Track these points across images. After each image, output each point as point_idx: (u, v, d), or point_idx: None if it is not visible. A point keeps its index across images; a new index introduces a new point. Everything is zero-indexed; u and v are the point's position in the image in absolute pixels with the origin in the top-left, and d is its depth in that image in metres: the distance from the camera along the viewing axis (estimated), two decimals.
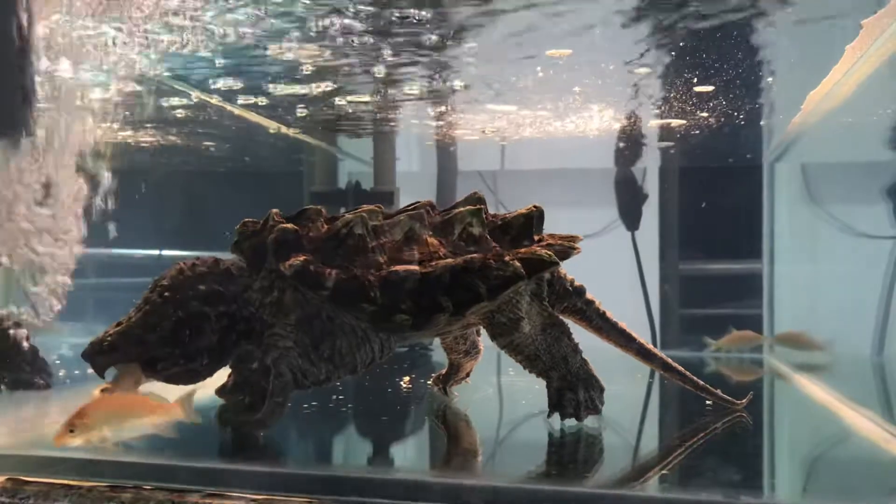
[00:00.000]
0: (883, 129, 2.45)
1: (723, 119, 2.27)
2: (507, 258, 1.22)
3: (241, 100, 2.05)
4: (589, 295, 1.38)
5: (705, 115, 2.20)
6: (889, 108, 2.19)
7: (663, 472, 1.13)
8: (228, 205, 2.87)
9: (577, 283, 1.37)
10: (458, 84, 1.97)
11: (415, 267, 1.18)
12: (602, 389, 1.28)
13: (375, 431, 1.38)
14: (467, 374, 1.52)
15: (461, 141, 2.70)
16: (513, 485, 0.99)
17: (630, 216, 3.04)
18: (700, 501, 0.94)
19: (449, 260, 1.20)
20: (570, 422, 1.26)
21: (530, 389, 1.32)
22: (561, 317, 1.32)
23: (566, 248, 1.29)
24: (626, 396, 1.25)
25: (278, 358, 1.17)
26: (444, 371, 1.52)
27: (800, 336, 2.50)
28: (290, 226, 1.20)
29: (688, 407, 1.38)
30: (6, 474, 1.06)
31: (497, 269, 1.21)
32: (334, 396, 1.49)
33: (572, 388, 1.26)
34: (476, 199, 1.31)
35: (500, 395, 1.69)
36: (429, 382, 1.56)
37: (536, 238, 1.31)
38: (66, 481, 1.03)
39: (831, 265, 3.00)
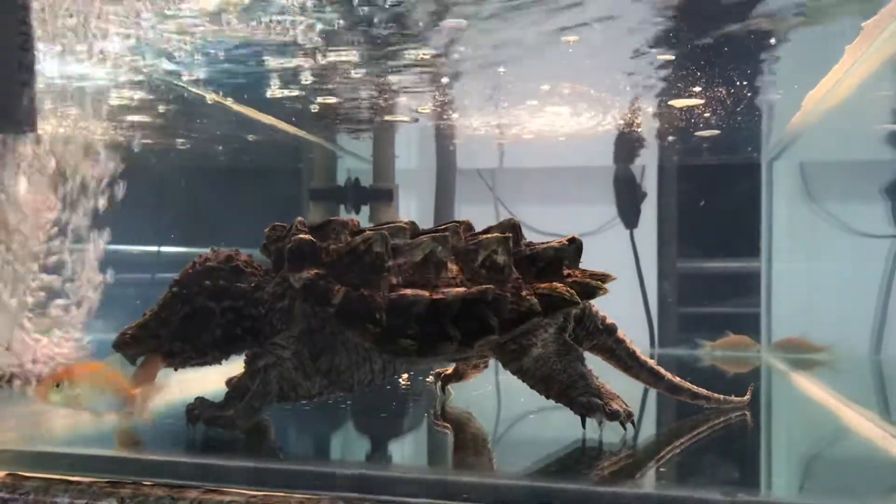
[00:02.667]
0: (881, 129, 2.45)
1: (722, 117, 2.27)
2: (524, 293, 1.19)
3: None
4: (620, 333, 1.35)
5: (704, 107, 2.19)
6: (888, 108, 2.20)
7: (661, 469, 1.14)
8: (227, 201, 2.86)
9: (608, 320, 1.34)
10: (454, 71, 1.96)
11: (425, 292, 1.15)
12: (628, 406, 1.23)
13: (373, 428, 1.39)
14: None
15: (460, 138, 2.70)
16: (512, 481, 1.00)
17: (629, 214, 3.04)
18: (698, 499, 0.94)
19: (462, 288, 1.17)
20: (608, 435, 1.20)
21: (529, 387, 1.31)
22: (589, 353, 1.30)
23: (592, 286, 1.24)
24: (623, 394, 1.25)
25: (271, 365, 1.17)
26: (447, 371, 1.51)
27: (798, 342, 2.50)
28: (307, 237, 1.19)
29: (685, 405, 1.39)
30: (5, 469, 1.06)
31: (512, 303, 1.17)
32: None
33: (597, 396, 1.21)
34: (510, 227, 1.27)
35: (497, 392, 1.69)
36: (428, 379, 1.56)
37: (566, 273, 1.26)
38: (65, 477, 1.04)
39: (829, 264, 3.00)
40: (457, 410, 1.46)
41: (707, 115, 2.32)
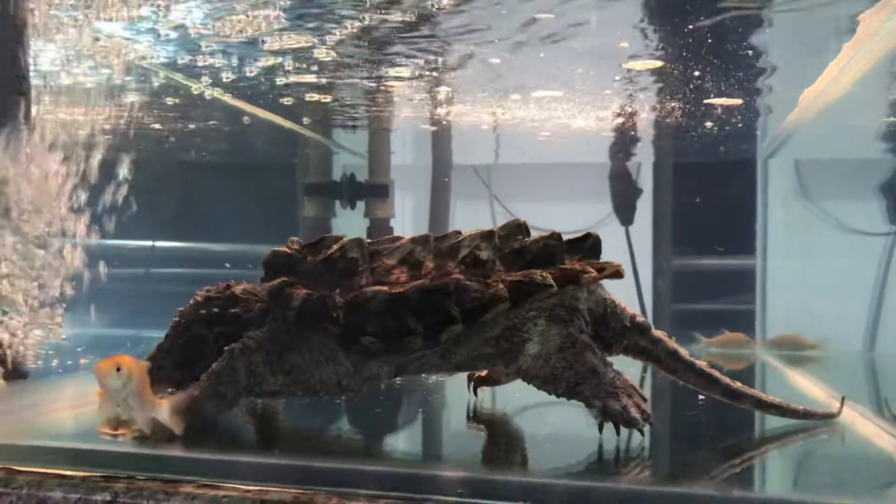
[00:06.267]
0: (877, 127, 2.46)
1: (718, 115, 2.27)
2: (490, 280, 1.15)
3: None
4: (657, 332, 1.26)
5: (699, 103, 2.19)
6: (884, 106, 2.20)
7: (656, 465, 1.14)
8: (222, 196, 2.86)
9: (639, 318, 1.25)
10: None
11: (384, 287, 1.14)
12: (645, 399, 1.16)
13: (367, 424, 1.38)
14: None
15: (456, 134, 2.71)
16: (502, 477, 1.00)
17: (624, 211, 3.04)
18: (693, 495, 0.94)
19: (423, 280, 1.15)
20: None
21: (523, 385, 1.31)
22: (625, 356, 1.24)
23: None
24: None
25: (239, 352, 1.17)
26: (481, 373, 1.45)
27: (791, 339, 2.51)
28: (282, 249, 1.21)
29: (680, 401, 1.38)
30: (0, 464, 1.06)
31: (475, 290, 1.13)
32: None
33: (614, 397, 1.13)
34: (516, 227, 1.23)
35: (493, 390, 1.69)
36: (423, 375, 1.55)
37: (567, 265, 1.19)
38: (58, 471, 1.03)
39: (824, 261, 3.01)
40: (491, 412, 1.45)
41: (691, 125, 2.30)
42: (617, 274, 1.21)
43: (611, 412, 1.13)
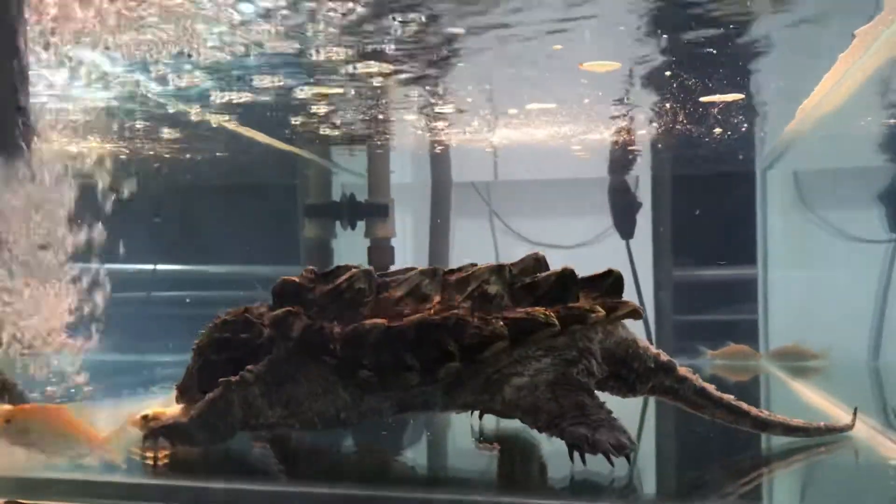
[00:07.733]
0: (875, 135, 2.47)
1: (716, 127, 2.27)
2: (491, 317, 1.12)
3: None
4: (682, 370, 1.21)
5: (699, 122, 2.20)
6: (882, 113, 2.21)
7: (666, 484, 1.13)
8: (223, 218, 2.86)
9: (664, 357, 1.21)
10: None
11: (381, 320, 1.13)
12: (633, 441, 1.07)
13: (376, 447, 1.38)
14: None
15: (455, 152, 2.71)
16: (518, 499, 0.99)
17: (625, 225, 3.04)
18: None
19: (422, 314, 1.13)
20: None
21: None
22: (650, 397, 1.22)
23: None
24: (622, 403, 1.21)
25: (235, 385, 1.15)
26: None
27: (794, 349, 2.51)
28: (292, 278, 1.21)
29: (684, 415, 1.38)
30: (5, 497, 1.05)
31: (475, 327, 1.10)
32: None
33: (590, 427, 1.07)
34: (533, 260, 1.20)
35: None
36: None
37: (579, 303, 1.15)
38: (64, 503, 1.03)
39: (825, 270, 3.01)
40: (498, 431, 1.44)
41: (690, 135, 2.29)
42: (634, 314, 1.18)
43: (575, 435, 1.06)
